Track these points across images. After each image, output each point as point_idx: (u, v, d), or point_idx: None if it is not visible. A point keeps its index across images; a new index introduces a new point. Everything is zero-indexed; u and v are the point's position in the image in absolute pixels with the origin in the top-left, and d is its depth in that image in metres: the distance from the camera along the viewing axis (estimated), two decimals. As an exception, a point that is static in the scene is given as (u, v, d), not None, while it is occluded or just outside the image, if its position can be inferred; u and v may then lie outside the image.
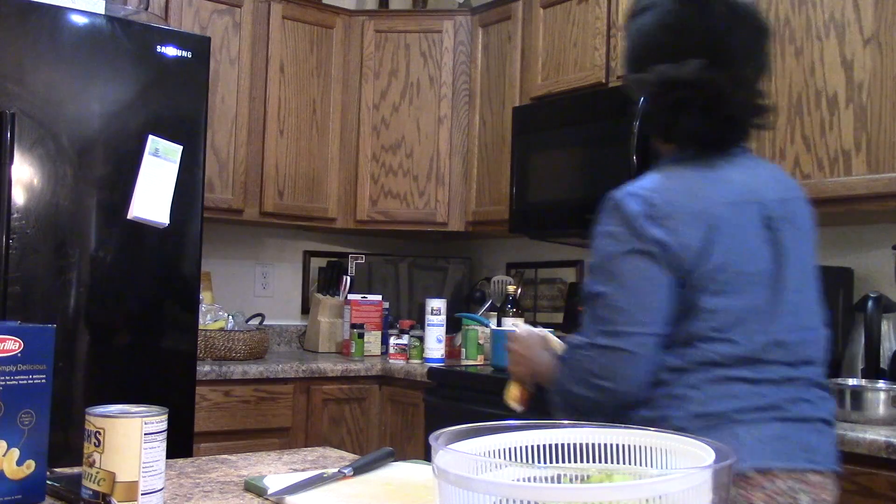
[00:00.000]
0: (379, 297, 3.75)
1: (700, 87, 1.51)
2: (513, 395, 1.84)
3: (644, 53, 1.60)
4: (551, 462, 0.92)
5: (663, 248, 1.46)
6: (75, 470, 1.25)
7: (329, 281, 3.94)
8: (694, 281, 1.46)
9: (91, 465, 1.06)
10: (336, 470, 1.34)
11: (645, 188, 1.52)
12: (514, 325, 1.94)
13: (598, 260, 1.53)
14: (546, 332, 1.87)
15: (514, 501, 0.72)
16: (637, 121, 1.69)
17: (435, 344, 3.42)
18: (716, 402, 1.44)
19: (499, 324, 3.28)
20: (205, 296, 3.47)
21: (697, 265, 1.46)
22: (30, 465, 1.13)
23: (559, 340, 1.78)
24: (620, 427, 0.93)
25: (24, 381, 1.12)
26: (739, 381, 1.45)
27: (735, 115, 1.55)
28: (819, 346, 1.54)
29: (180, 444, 2.67)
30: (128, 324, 2.70)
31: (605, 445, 0.92)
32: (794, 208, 1.57)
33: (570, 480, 0.81)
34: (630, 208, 1.49)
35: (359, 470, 1.36)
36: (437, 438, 0.83)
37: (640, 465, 0.91)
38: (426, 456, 1.45)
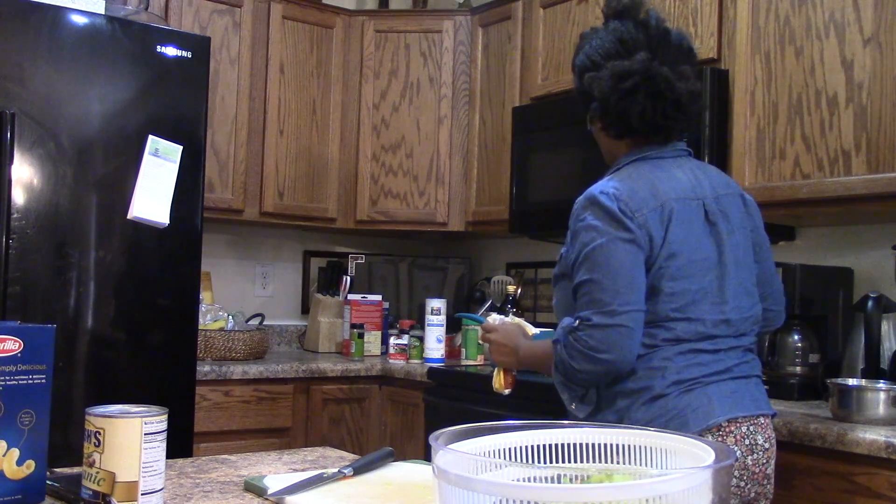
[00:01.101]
0: (379, 297, 3.74)
1: (648, 75, 1.77)
2: (499, 382, 2.00)
3: (597, 59, 1.85)
4: (551, 462, 0.92)
5: (637, 236, 1.70)
6: (75, 470, 1.25)
7: (329, 281, 3.94)
8: (657, 266, 1.72)
9: (91, 465, 1.06)
10: (336, 470, 1.34)
11: (612, 187, 1.75)
12: (493, 317, 2.09)
13: (585, 252, 1.73)
14: (519, 320, 2.05)
15: (514, 501, 0.72)
16: (590, 120, 1.90)
17: (435, 344, 3.42)
18: (687, 370, 1.72)
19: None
20: (205, 296, 3.47)
21: (660, 253, 1.72)
22: (30, 465, 1.13)
23: (531, 326, 2.00)
24: (620, 427, 0.94)
25: (24, 381, 1.12)
26: (703, 352, 1.73)
27: (680, 101, 1.80)
28: (751, 321, 1.83)
29: (180, 444, 2.66)
30: (128, 324, 2.70)
31: (605, 445, 0.92)
32: (727, 204, 1.83)
33: (570, 480, 0.81)
34: (607, 204, 1.73)
35: (359, 470, 1.36)
36: (437, 438, 0.83)
37: (640, 465, 0.91)
38: (426, 456, 1.46)
